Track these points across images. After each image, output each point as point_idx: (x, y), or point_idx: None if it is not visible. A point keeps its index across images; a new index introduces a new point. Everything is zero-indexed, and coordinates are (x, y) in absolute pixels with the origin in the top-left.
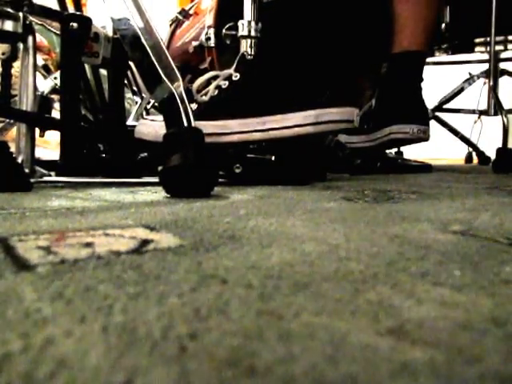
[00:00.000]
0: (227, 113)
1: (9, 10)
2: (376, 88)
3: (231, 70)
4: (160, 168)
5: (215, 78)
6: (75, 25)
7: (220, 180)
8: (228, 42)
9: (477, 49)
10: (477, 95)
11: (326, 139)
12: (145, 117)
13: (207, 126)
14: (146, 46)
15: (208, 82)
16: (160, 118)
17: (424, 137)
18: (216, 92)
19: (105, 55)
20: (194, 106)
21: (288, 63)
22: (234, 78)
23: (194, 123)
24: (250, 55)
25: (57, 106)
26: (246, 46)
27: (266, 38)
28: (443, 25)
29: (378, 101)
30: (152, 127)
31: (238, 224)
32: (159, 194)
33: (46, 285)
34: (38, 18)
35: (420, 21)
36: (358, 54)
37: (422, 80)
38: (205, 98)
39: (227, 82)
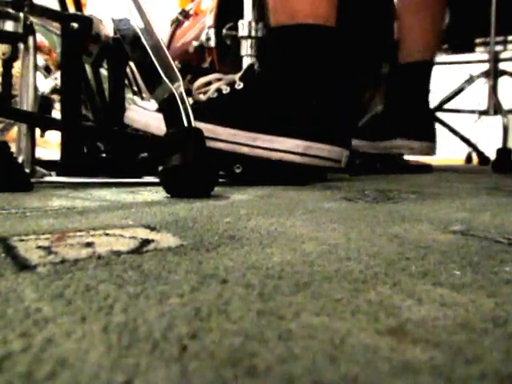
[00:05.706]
0: (220, 118)
1: (9, 10)
2: (375, 87)
3: (236, 77)
4: (160, 168)
5: (218, 80)
6: (76, 25)
7: (220, 180)
8: (228, 42)
9: (477, 49)
10: (477, 95)
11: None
12: (137, 103)
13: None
14: (147, 46)
15: (209, 83)
16: (152, 106)
17: (431, 153)
18: (215, 94)
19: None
20: (191, 100)
21: (293, 87)
22: (236, 86)
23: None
24: (259, 67)
25: (57, 105)
26: (246, 47)
27: (279, 58)
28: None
29: (385, 111)
30: (143, 116)
31: (237, 224)
32: (159, 193)
33: (46, 285)
34: (39, 18)
35: (427, 31)
36: (360, 96)
37: (429, 91)
38: (202, 98)
39: (229, 88)
